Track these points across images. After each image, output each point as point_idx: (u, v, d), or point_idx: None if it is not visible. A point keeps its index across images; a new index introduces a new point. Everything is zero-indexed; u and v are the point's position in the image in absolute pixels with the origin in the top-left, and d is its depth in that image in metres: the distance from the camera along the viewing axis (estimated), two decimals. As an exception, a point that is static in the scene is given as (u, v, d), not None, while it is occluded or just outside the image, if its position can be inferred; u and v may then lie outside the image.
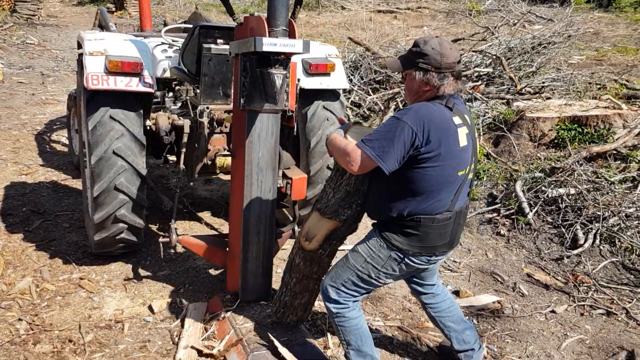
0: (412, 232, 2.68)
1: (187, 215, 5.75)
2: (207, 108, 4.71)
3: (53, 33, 15.94)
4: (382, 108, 9.59)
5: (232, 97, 3.79)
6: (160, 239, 4.09)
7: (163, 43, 5.62)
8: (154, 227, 5.43)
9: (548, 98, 7.80)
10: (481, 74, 9.72)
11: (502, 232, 5.45)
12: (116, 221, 4.27)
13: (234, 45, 3.52)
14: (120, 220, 4.27)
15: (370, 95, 9.76)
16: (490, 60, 9.72)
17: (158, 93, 5.74)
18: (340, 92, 4.94)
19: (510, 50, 10.06)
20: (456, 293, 4.50)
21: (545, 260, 5.03)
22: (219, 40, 4.66)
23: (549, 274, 4.82)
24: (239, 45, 3.40)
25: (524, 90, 8.73)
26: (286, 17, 3.28)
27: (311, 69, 4.60)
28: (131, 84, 4.05)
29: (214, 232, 5.19)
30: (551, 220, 5.46)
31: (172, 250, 4.97)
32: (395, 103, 9.03)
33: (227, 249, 4.01)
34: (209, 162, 4.88)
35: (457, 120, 2.61)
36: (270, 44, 3.16)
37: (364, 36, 13.76)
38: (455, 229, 2.77)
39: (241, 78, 3.43)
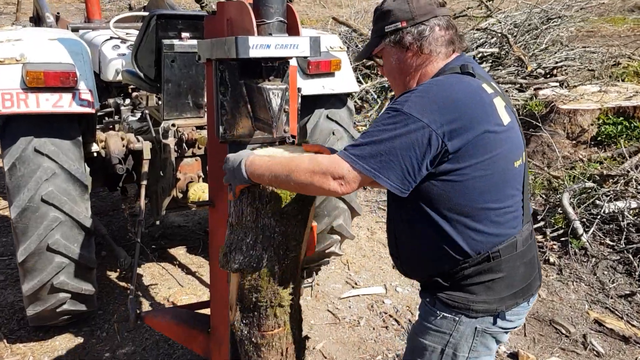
0: (494, 276, 1.81)
1: (155, 254, 4.59)
2: (173, 125, 3.55)
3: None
4: (376, 97, 8.48)
5: (207, 112, 2.65)
6: (115, 319, 2.94)
7: (112, 38, 4.41)
8: (112, 275, 4.28)
9: (561, 82, 6.76)
10: (485, 54, 8.63)
11: (551, 259, 4.42)
12: (54, 291, 3.15)
13: (203, 46, 2.39)
14: (60, 290, 3.14)
15: (361, 83, 8.63)
16: (494, 38, 8.62)
17: (110, 101, 4.55)
18: (348, 96, 3.80)
19: (516, 27, 8.96)
20: (513, 357, 3.44)
21: (612, 298, 4.02)
22: (184, 34, 3.51)
23: (622, 318, 3.80)
24: (212, 47, 2.27)
25: (535, 72, 7.69)
26: (283, 1, 2.15)
27: (310, 69, 3.47)
28: (61, 104, 2.90)
29: (192, 302, 4.04)
30: (612, 243, 4.43)
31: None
32: (392, 93, 7.90)
33: (210, 330, 2.87)
34: (180, 195, 3.72)
35: (487, 88, 1.82)
36: (260, 47, 2.04)
37: (343, 13, 12.58)
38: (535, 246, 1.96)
39: (217, 95, 2.29)
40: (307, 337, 2.34)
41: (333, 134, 3.70)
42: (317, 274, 4.32)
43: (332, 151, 2.06)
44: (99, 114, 4.69)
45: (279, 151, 2.14)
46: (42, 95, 2.85)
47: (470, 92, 1.75)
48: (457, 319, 1.82)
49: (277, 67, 2.23)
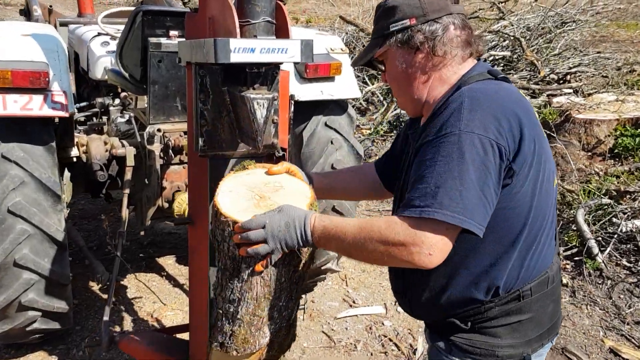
0: (522, 317, 1.60)
1: (141, 264, 4.34)
2: (159, 130, 3.29)
3: None
4: (382, 99, 8.20)
5: (187, 121, 2.39)
6: (86, 343, 2.70)
7: (101, 34, 4.17)
8: (94, 287, 4.02)
9: (576, 89, 6.45)
10: (497, 57, 8.35)
11: (563, 280, 4.12)
12: (22, 309, 2.90)
13: (183, 47, 2.13)
14: (29, 308, 2.89)
15: (367, 84, 8.36)
16: (506, 41, 8.33)
17: (98, 101, 4.31)
18: (349, 102, 3.53)
19: (529, 30, 8.67)
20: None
21: (629, 325, 3.75)
22: (172, 32, 3.26)
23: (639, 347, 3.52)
24: (191, 49, 2.01)
25: (548, 77, 7.40)
26: (271, -2, 1.89)
27: (308, 72, 3.20)
28: (31, 106, 2.65)
29: (178, 318, 3.78)
30: (629, 265, 4.15)
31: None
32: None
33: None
34: (165, 204, 3.47)
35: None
36: (243, 51, 1.78)
37: (351, 11, 12.29)
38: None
39: (197, 103, 2.04)
40: None
41: (331, 142, 3.44)
42: (311, 290, 4.06)
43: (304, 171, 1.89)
44: (85, 114, 4.45)
45: (254, 178, 1.87)
46: (9, 96, 2.59)
47: (516, 100, 1.53)
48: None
49: (263, 74, 1.96)
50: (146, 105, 3.48)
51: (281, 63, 1.93)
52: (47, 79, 2.66)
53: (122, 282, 4.10)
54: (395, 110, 7.58)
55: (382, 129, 7.58)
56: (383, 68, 1.73)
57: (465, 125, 1.40)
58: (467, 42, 1.61)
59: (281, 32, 1.94)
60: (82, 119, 4.57)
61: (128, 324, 3.64)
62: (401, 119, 7.66)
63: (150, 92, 3.33)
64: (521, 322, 1.59)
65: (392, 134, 7.51)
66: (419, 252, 1.36)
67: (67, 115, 2.71)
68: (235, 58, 1.77)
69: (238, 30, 1.81)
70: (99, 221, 5.09)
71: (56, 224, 2.84)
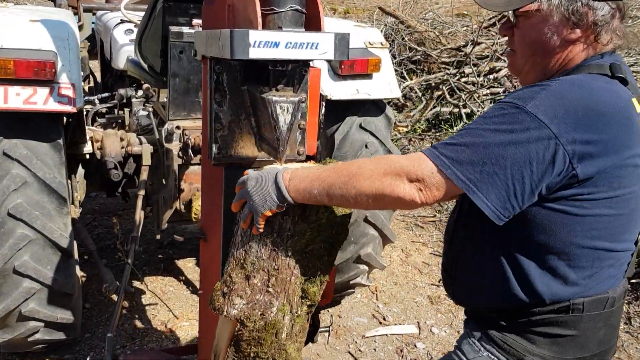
0: (566, 332, 1.48)
1: (159, 266, 4.12)
2: (178, 128, 3.04)
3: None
4: (421, 95, 7.82)
5: (202, 123, 2.12)
6: (87, 361, 2.48)
7: (123, 21, 3.95)
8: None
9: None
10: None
11: None
12: (23, 319, 2.69)
13: (198, 39, 1.87)
14: (30, 318, 2.67)
15: (405, 79, 7.99)
16: None
17: (121, 92, 4.09)
18: (386, 102, 3.21)
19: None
20: None
21: (694, 361, 3.32)
22: (195, 21, 3.02)
23: None
24: (207, 41, 1.73)
25: None
26: (301, -17, 1.60)
27: (343, 69, 2.90)
28: (35, 100, 2.42)
29: (193, 329, 3.54)
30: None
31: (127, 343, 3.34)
32: (440, 92, 7.26)
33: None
34: (183, 207, 3.21)
35: (637, 106, 1.45)
36: (265, 45, 1.50)
37: (391, 2, 11.87)
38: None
39: (212, 104, 1.77)
40: None
41: (366, 146, 3.13)
42: (338, 304, 3.77)
43: None
44: (106, 105, 4.24)
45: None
46: (11, 88, 2.37)
47: (619, 108, 1.36)
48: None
49: (290, 73, 1.68)
50: (166, 100, 3.24)
51: (310, 61, 1.64)
52: (53, 70, 2.42)
53: (136, 286, 3.88)
54: (434, 107, 7.21)
55: (419, 128, 7.22)
56: (513, 22, 1.50)
57: (535, 106, 1.28)
58: (614, 30, 1.45)
59: (312, 23, 1.64)
60: (104, 110, 4.37)
61: (139, 334, 3.41)
62: (440, 117, 7.30)
63: (170, 85, 3.09)
64: (563, 337, 1.47)
65: (431, 133, 7.15)
66: (410, 184, 1.29)
67: (74, 110, 2.47)
68: (254, 54, 1.49)
69: (260, 20, 1.53)
70: (119, 217, 4.90)
71: (61, 229, 2.61)
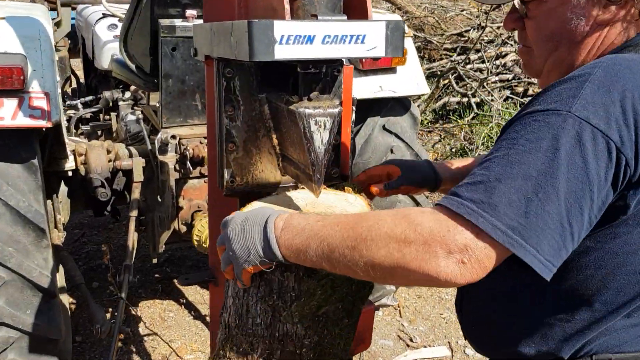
0: None
1: (157, 288, 3.74)
2: (174, 137, 2.66)
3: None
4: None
5: (207, 140, 1.72)
6: None
7: (106, 15, 3.55)
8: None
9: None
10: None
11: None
12: (1, 371, 2.27)
13: (199, 34, 1.49)
14: (9, 369, 2.27)
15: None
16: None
17: (106, 95, 3.69)
18: (411, 100, 2.83)
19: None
20: None
21: None
22: (189, 12, 2.61)
23: None
24: (212, 36, 1.34)
25: None
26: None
27: (364, 64, 2.51)
28: (2, 114, 2.02)
29: None
30: None
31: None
32: (446, 81, 6.85)
33: None
34: (183, 227, 2.83)
35: None
36: (295, 41, 1.11)
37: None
38: None
39: (221, 118, 1.38)
40: None
41: (391, 151, 2.77)
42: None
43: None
44: (91, 110, 3.84)
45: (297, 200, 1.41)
46: (-29, 101, 1.95)
47: None
48: None
49: (324, 75, 1.29)
50: (158, 104, 2.84)
51: (357, 59, 1.25)
52: (22, 77, 2.02)
53: (132, 312, 3.49)
54: (442, 97, 6.82)
55: (426, 119, 6.83)
56: (522, 12, 1.18)
57: (581, 107, 0.96)
58: None
59: (355, 9, 1.25)
60: (89, 115, 3.97)
61: (138, 373, 3.03)
62: (447, 107, 6.92)
63: (163, 88, 2.70)
64: None
65: (438, 125, 6.77)
66: (447, 257, 0.92)
67: (49, 125, 2.08)
68: (282, 53, 1.11)
69: (288, 7, 1.13)
70: (110, 231, 4.50)
71: (40, 266, 2.22)
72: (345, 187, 1.54)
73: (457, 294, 1.38)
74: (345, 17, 1.14)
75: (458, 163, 1.66)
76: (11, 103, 2.02)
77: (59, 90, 2.41)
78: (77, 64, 5.38)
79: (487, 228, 0.92)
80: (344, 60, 1.38)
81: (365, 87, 2.57)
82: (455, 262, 0.92)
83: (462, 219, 0.93)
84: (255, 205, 1.39)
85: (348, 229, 1.02)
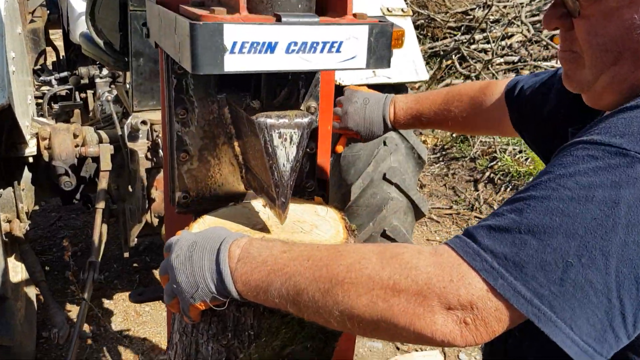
0: None
1: (134, 279, 3.54)
2: (145, 123, 2.43)
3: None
4: (426, 65, 7.13)
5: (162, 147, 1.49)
6: None
7: (77, -17, 3.29)
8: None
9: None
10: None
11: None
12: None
13: (150, 14, 1.23)
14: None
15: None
16: None
17: (82, 71, 3.45)
18: (414, 88, 2.58)
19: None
20: None
21: None
22: (161, -16, 2.29)
23: None
24: (159, 26, 1.08)
25: None
26: None
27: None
28: None
29: None
30: None
31: None
32: (449, 62, 6.56)
33: None
34: (155, 220, 2.62)
35: None
36: (250, 50, 0.86)
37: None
38: None
39: (172, 122, 1.13)
40: None
41: (384, 143, 2.52)
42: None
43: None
44: (66, 88, 3.60)
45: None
46: None
47: None
48: None
49: (294, 79, 1.06)
50: (129, 86, 2.60)
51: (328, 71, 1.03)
52: None
53: (106, 305, 3.31)
54: (444, 78, 6.54)
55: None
56: (573, 8, 0.90)
57: None
58: None
59: (331, 5, 1.01)
60: (65, 92, 3.73)
61: (107, 374, 2.85)
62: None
63: (133, 67, 2.46)
64: None
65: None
66: (446, 313, 0.75)
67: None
68: (235, 64, 0.87)
69: (244, 2, 0.89)
70: (88, 215, 4.28)
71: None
72: (315, 197, 1.34)
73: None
74: (317, 19, 0.90)
75: (423, 102, 1.54)
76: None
77: (12, 68, 2.18)
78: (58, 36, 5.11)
79: (507, 293, 0.73)
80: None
81: (356, 73, 2.34)
82: (455, 320, 0.75)
83: (473, 270, 0.75)
84: (207, 221, 1.18)
85: (321, 266, 0.83)
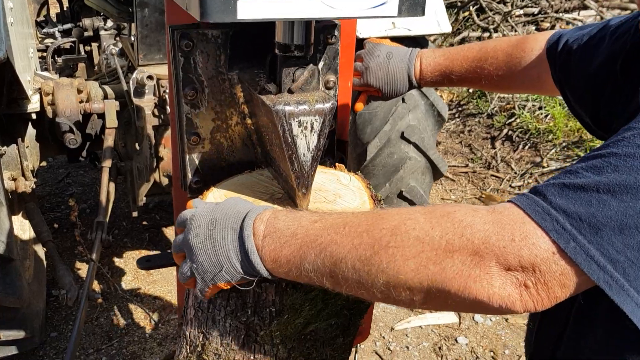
0: None
1: (144, 237, 3.48)
2: (151, 78, 2.32)
3: None
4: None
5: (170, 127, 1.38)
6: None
7: None
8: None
9: None
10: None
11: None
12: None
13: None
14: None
15: None
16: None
17: (86, 22, 3.32)
18: (430, 40, 2.45)
19: None
20: None
21: None
22: None
23: None
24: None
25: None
26: None
27: None
28: None
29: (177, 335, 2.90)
30: None
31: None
32: (466, 13, 6.31)
33: None
34: (164, 179, 2.54)
35: None
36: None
37: None
38: None
39: (180, 104, 1.06)
40: None
41: (403, 100, 2.39)
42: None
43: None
44: (70, 40, 3.47)
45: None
46: None
47: None
48: None
49: (314, 45, 0.94)
50: (133, 38, 2.48)
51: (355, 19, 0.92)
52: None
53: (116, 264, 3.26)
54: (460, 31, 6.31)
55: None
56: None
57: None
58: None
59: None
60: (68, 45, 3.60)
61: (117, 333, 2.81)
62: (467, 43, 6.42)
63: (138, 19, 2.33)
64: None
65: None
66: (505, 275, 0.69)
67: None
68: (246, 12, 0.74)
69: None
70: (97, 171, 4.20)
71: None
72: (337, 164, 1.23)
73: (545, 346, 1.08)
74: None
75: (454, 58, 1.42)
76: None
77: (10, 19, 2.06)
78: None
79: (578, 258, 0.68)
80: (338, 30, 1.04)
81: (374, 25, 2.19)
82: (515, 283, 0.70)
83: (540, 229, 0.69)
84: (222, 191, 1.08)
85: (360, 232, 0.77)
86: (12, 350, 2.34)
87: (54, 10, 4.66)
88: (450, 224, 0.71)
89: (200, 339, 1.06)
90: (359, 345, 2.07)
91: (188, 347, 1.10)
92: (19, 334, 2.23)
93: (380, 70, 1.45)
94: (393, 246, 0.73)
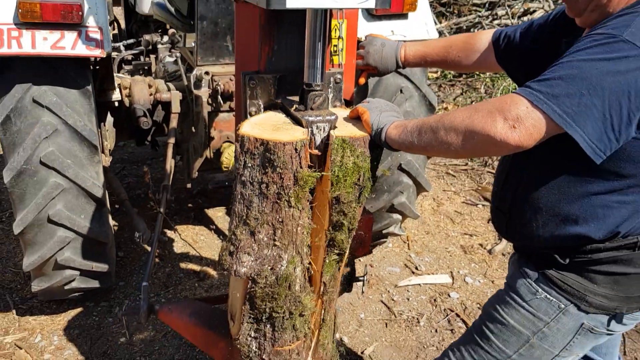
0: (630, 270, 1.50)
1: (189, 215, 4.14)
2: (207, 73, 2.99)
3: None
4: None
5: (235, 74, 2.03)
6: (122, 311, 2.50)
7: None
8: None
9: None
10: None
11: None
12: (59, 267, 2.72)
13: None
14: (66, 267, 2.70)
15: (435, 23, 7.73)
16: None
17: (146, 38, 4.03)
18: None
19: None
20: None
21: None
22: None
23: None
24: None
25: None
26: None
27: (377, 9, 2.77)
28: (62, 44, 2.37)
29: (218, 285, 3.52)
30: None
31: (159, 294, 3.39)
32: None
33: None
34: (213, 155, 3.19)
35: None
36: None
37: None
38: None
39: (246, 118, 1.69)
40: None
41: (401, 91, 3.03)
42: (370, 253, 3.76)
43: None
44: (132, 52, 4.19)
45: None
46: (38, 33, 2.31)
47: None
48: (564, 306, 1.54)
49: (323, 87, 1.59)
50: (194, 45, 3.17)
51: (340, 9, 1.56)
52: (80, 12, 2.36)
53: (167, 235, 3.91)
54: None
55: (450, 73, 7.03)
56: None
57: (631, 34, 1.26)
58: None
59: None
60: (130, 57, 4.33)
61: (172, 283, 3.45)
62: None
63: (198, 29, 3.02)
64: (627, 276, 1.49)
65: (462, 79, 6.96)
66: (503, 122, 1.28)
67: (103, 55, 2.42)
68: (293, 1, 1.38)
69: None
70: (148, 166, 4.90)
71: (93, 178, 2.60)
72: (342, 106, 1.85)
73: (506, 195, 1.64)
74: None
75: (428, 46, 2.05)
76: (71, 35, 2.37)
77: (110, 28, 2.76)
78: (117, 12, 5.72)
79: (548, 111, 1.25)
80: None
81: (378, 31, 2.83)
82: (509, 127, 1.27)
83: (527, 101, 1.27)
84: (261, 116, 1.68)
85: (436, 115, 1.43)
86: (96, 284, 2.97)
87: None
88: (479, 103, 1.35)
89: (245, 210, 1.55)
90: (366, 280, 2.64)
91: (236, 217, 1.59)
92: (105, 267, 2.85)
93: (376, 54, 2.09)
94: (451, 114, 1.37)
